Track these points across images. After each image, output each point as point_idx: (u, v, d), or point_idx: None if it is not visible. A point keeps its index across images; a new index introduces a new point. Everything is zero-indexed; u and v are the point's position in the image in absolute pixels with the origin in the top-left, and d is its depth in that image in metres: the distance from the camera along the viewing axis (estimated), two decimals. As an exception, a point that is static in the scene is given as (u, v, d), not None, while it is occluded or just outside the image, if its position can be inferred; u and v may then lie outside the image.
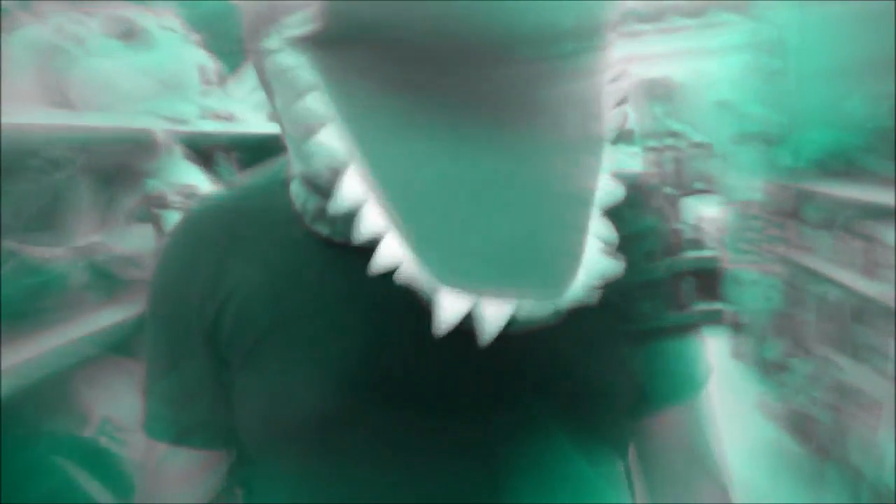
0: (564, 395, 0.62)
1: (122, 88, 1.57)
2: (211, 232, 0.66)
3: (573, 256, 0.49)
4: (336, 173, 0.49)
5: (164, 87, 1.65)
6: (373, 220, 0.47)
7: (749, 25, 3.59)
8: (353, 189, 0.48)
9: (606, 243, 0.51)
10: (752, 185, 3.58)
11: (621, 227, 0.56)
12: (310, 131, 0.50)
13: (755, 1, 3.51)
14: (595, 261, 0.49)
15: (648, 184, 0.74)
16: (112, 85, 1.55)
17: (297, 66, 0.50)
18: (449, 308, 0.46)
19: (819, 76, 2.76)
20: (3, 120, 1.28)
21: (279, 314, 0.61)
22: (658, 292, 0.68)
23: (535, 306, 0.47)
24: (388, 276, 0.47)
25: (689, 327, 0.72)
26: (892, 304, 2.23)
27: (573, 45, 0.50)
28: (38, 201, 1.50)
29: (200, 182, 1.79)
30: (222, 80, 2.11)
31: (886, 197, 2.26)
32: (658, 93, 5.90)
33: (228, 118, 2.10)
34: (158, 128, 1.64)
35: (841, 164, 2.72)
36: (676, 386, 0.71)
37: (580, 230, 0.50)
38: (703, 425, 0.74)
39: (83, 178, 1.59)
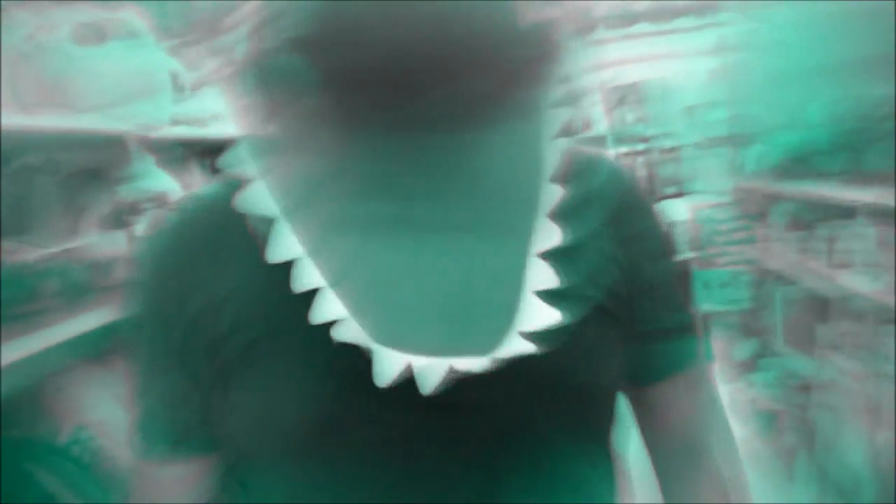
0: (557, 394, 0.62)
1: (83, 92, 1.56)
2: (205, 233, 0.64)
3: (509, 310, 0.50)
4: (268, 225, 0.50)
5: (136, 92, 1.65)
6: (309, 277, 0.49)
7: (716, 30, 3.65)
8: (287, 244, 0.50)
9: (547, 292, 0.51)
10: (721, 187, 3.64)
11: (620, 230, 0.59)
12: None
13: (723, 2, 3.57)
14: (532, 312, 0.50)
15: (646, 186, 0.75)
16: (74, 89, 1.54)
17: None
18: (387, 367, 0.47)
19: (786, 78, 2.81)
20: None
21: (272, 319, 0.60)
22: (657, 293, 0.69)
23: (471, 362, 0.48)
24: None
25: (687, 326, 0.73)
26: (863, 303, 2.28)
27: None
28: (13, 206, 1.48)
29: (173, 188, 1.78)
30: (197, 85, 2.11)
31: (852, 196, 2.32)
32: (629, 98, 5.97)
33: (202, 123, 2.09)
34: (131, 133, 1.64)
35: (808, 166, 2.77)
36: (668, 375, 0.72)
37: (517, 283, 0.51)
38: (701, 418, 0.74)
39: (57, 182, 1.58)
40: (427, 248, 0.50)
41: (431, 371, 0.48)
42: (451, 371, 0.48)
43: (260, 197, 0.51)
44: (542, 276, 0.51)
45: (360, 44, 0.47)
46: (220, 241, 0.63)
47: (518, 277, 0.51)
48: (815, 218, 2.75)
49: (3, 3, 1.48)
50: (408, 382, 0.54)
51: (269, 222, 0.51)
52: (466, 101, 0.50)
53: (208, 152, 2.24)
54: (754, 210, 3.29)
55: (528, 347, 0.49)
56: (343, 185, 0.51)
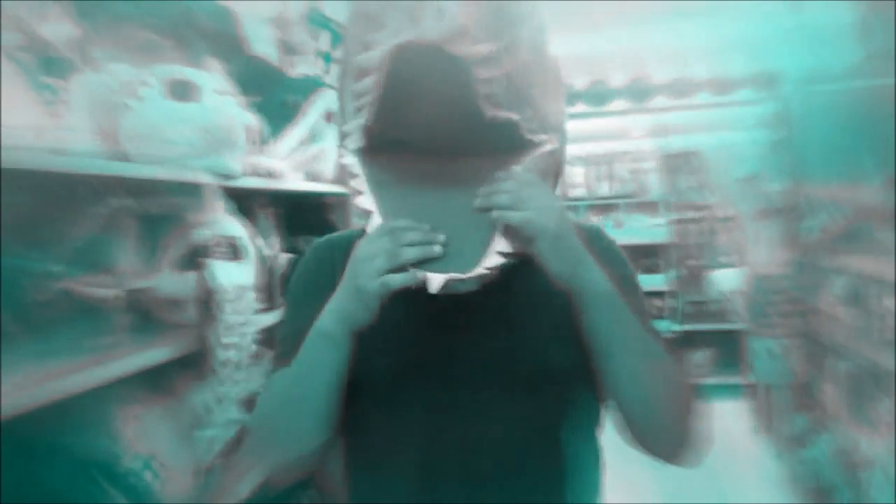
0: (536, 375, 1.03)
1: (174, 142, 1.68)
2: (330, 258, 1.14)
3: (479, 256, 0.94)
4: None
5: (214, 143, 1.76)
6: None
7: (773, 102, 3.69)
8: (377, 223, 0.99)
9: (501, 251, 0.94)
10: (777, 258, 3.62)
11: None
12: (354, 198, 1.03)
13: (779, 78, 3.62)
14: (489, 260, 0.93)
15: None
16: (165, 138, 1.66)
17: (352, 163, 1.03)
18: (424, 278, 0.92)
19: (841, 152, 2.83)
20: (65, 167, 1.39)
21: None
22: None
23: (455, 278, 0.92)
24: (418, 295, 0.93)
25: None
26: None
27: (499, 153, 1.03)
28: (95, 245, 1.60)
29: (241, 234, 1.89)
30: (265, 140, 2.23)
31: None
32: (685, 166, 6.00)
33: (270, 175, 2.21)
34: (208, 181, 1.75)
35: (862, 239, 2.76)
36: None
37: (485, 243, 0.95)
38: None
39: (136, 225, 1.69)
40: (446, 225, 0.97)
41: (436, 279, 0.91)
42: (447, 281, 0.91)
43: (365, 204, 1.01)
44: (499, 244, 0.95)
45: (413, 134, 1.04)
46: (336, 265, 1.05)
47: (485, 242, 0.95)
48: (869, 291, 2.73)
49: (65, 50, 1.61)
50: (428, 358, 1.05)
51: (368, 213, 0.99)
52: (471, 162, 1.05)
53: (274, 202, 2.36)
54: (811, 282, 3.26)
55: (485, 276, 0.93)
56: (406, 195, 1.03)
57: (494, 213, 0.95)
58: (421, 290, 0.91)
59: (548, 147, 1.01)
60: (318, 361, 0.99)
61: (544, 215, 0.93)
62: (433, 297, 0.92)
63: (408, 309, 1.01)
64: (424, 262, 0.93)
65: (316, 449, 1.01)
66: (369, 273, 0.92)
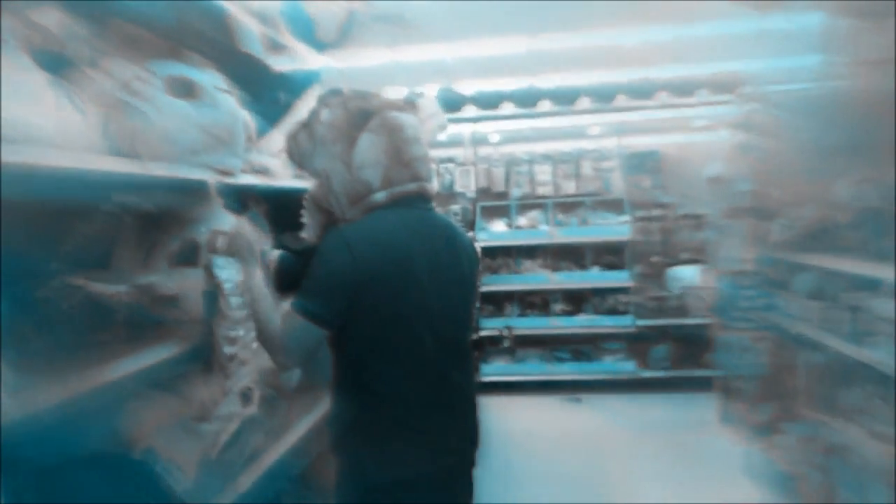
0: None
1: (176, 140, 1.68)
2: None
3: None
4: None
5: (215, 141, 1.78)
6: None
7: (738, 105, 3.81)
8: None
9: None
10: (744, 256, 3.75)
11: None
12: None
13: (744, 82, 3.73)
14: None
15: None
16: (167, 136, 1.67)
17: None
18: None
19: (811, 156, 2.94)
20: (69, 164, 1.39)
21: None
22: None
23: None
24: None
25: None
26: (879, 368, 2.35)
27: None
28: (99, 242, 1.60)
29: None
30: (257, 137, 2.24)
31: (872, 270, 2.42)
32: (647, 165, 6.14)
33: (264, 172, 2.22)
34: (208, 179, 1.76)
35: (828, 240, 2.88)
36: None
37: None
38: None
39: (139, 222, 1.70)
40: None
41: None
42: None
43: None
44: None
45: None
46: None
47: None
48: (837, 289, 2.85)
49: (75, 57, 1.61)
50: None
51: None
52: None
53: (265, 198, 2.37)
54: (777, 279, 3.39)
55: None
56: None
57: None
58: None
59: (316, 182, 1.82)
60: None
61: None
62: None
63: None
64: None
65: None
66: None
